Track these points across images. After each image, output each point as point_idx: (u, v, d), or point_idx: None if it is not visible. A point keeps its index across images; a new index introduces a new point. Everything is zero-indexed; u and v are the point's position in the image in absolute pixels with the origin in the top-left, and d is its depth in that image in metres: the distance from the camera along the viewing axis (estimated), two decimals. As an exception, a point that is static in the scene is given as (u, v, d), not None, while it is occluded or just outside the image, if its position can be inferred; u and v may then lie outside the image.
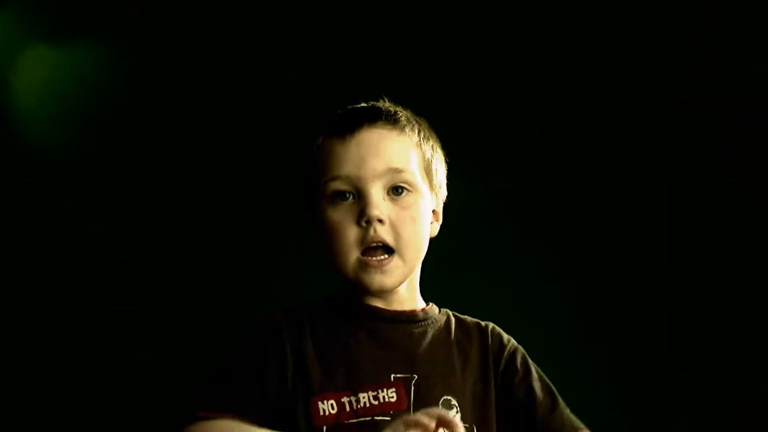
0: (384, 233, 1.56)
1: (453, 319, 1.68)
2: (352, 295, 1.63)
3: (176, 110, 2.90)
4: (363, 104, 1.67)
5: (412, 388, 1.54)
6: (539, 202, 2.79)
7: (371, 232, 1.55)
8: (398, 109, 1.66)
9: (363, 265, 1.56)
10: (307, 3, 2.95)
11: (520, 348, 1.67)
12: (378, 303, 1.62)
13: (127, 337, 2.86)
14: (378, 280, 1.57)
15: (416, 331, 1.62)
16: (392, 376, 1.54)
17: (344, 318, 1.60)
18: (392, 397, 1.52)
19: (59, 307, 2.86)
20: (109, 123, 2.90)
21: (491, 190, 2.78)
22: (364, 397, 1.51)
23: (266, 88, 2.94)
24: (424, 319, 1.64)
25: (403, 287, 1.63)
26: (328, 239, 1.58)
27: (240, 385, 1.52)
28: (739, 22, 2.82)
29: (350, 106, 1.67)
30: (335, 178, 1.57)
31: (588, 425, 1.64)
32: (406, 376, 1.55)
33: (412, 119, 1.66)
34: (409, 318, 1.63)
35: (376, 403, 1.51)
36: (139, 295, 2.87)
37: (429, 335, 1.62)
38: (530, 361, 1.66)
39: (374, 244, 1.56)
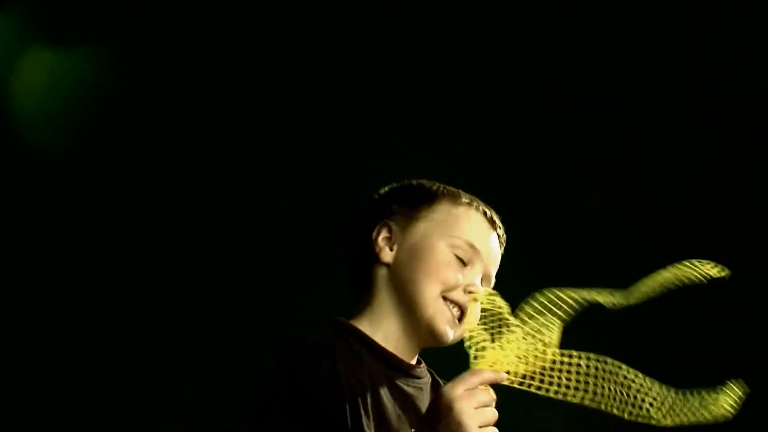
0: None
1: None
2: (376, 333, 1.60)
3: (174, 112, 2.91)
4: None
5: None
6: (537, 203, 2.80)
7: (466, 299, 1.57)
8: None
9: (444, 311, 1.57)
10: (307, 3, 2.95)
11: None
12: (400, 354, 1.61)
13: (124, 337, 2.87)
14: (447, 331, 1.57)
15: (422, 384, 1.62)
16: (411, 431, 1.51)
17: (373, 363, 1.56)
18: None
19: (57, 307, 2.86)
20: (107, 125, 2.91)
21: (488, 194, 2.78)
22: None
23: (266, 89, 2.94)
24: (424, 375, 1.64)
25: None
26: (430, 267, 1.58)
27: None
28: (749, 23, 2.82)
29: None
30: (476, 249, 1.60)
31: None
32: None
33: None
34: (418, 373, 1.62)
35: None
36: (136, 295, 2.88)
37: (426, 390, 1.63)
38: None
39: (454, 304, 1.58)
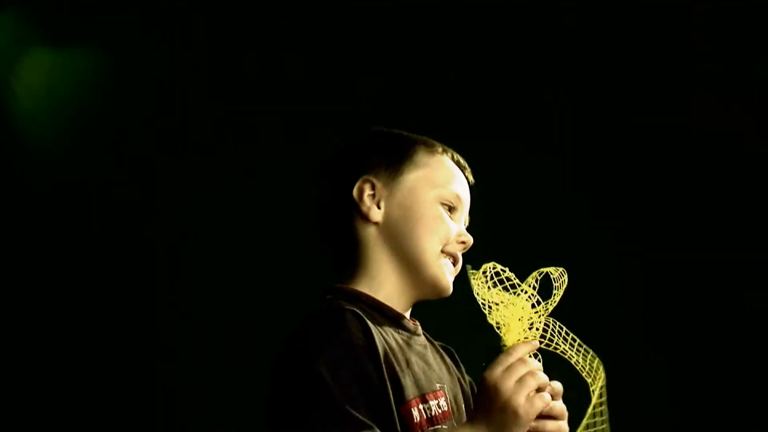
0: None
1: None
2: (378, 291, 1.57)
3: (173, 112, 2.91)
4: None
5: (446, 394, 1.54)
6: (535, 203, 2.80)
7: (460, 250, 1.60)
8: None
9: (444, 265, 1.58)
10: (307, 3, 2.95)
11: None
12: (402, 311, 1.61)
13: (125, 335, 2.87)
14: (449, 283, 1.60)
15: (422, 341, 1.62)
16: (437, 385, 1.54)
17: (388, 325, 1.55)
18: (444, 406, 1.51)
19: (55, 307, 2.87)
20: (106, 124, 2.91)
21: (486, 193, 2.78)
22: (432, 406, 1.49)
23: (266, 88, 2.95)
24: (421, 333, 1.65)
25: None
26: (427, 225, 1.58)
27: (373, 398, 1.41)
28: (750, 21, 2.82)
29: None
30: (460, 197, 1.62)
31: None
32: (442, 385, 1.55)
33: None
34: (417, 331, 1.62)
35: (440, 411, 1.50)
36: (136, 293, 2.88)
37: (430, 348, 1.64)
38: None
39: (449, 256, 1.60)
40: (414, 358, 1.53)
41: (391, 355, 1.46)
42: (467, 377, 1.68)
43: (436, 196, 1.59)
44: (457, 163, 1.66)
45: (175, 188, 2.92)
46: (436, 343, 1.68)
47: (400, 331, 1.56)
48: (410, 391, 1.46)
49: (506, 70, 2.95)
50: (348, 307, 1.46)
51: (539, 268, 1.42)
